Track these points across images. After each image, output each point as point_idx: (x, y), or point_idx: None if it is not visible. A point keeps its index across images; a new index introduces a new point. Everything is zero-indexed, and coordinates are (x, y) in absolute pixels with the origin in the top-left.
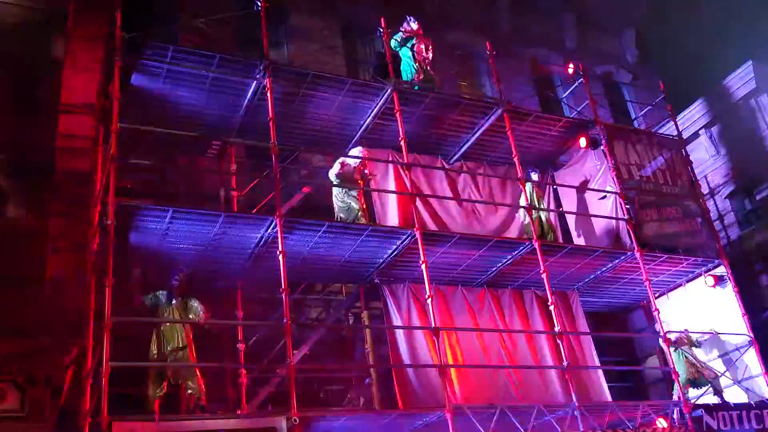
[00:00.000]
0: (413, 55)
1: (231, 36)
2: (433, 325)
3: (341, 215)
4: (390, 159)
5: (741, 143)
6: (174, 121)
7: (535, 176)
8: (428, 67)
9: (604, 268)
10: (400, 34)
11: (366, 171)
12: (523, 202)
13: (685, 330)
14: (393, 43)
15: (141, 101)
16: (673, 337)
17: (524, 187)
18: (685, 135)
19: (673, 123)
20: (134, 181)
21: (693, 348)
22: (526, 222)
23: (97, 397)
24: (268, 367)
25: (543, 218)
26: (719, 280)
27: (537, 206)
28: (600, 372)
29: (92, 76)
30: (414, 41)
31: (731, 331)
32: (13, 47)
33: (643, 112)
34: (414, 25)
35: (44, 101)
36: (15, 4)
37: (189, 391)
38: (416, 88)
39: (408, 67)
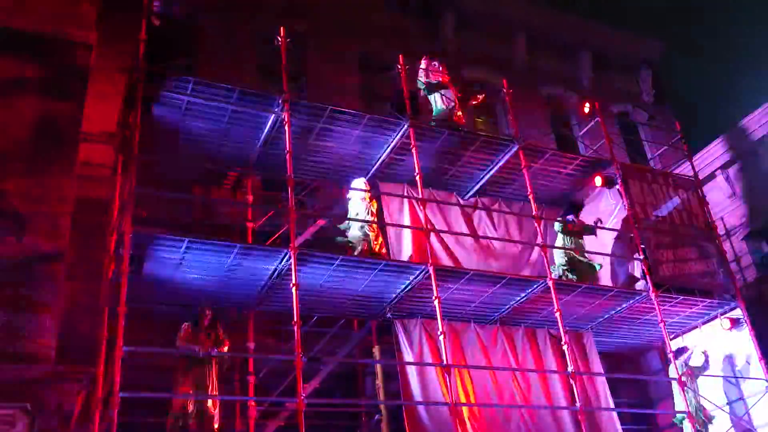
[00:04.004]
0: (442, 99)
1: (250, 67)
2: (445, 362)
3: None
4: (405, 194)
5: (758, 184)
6: (192, 151)
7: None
8: (455, 108)
9: (619, 308)
10: (423, 78)
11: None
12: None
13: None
14: (419, 83)
15: (160, 132)
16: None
17: (539, 225)
18: (701, 176)
19: (689, 163)
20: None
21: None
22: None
23: (106, 426)
24: (278, 399)
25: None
26: (735, 323)
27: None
28: (613, 414)
29: (113, 106)
30: (443, 87)
31: (747, 375)
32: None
33: (659, 152)
34: (440, 68)
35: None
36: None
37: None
38: (432, 123)
39: (436, 111)
